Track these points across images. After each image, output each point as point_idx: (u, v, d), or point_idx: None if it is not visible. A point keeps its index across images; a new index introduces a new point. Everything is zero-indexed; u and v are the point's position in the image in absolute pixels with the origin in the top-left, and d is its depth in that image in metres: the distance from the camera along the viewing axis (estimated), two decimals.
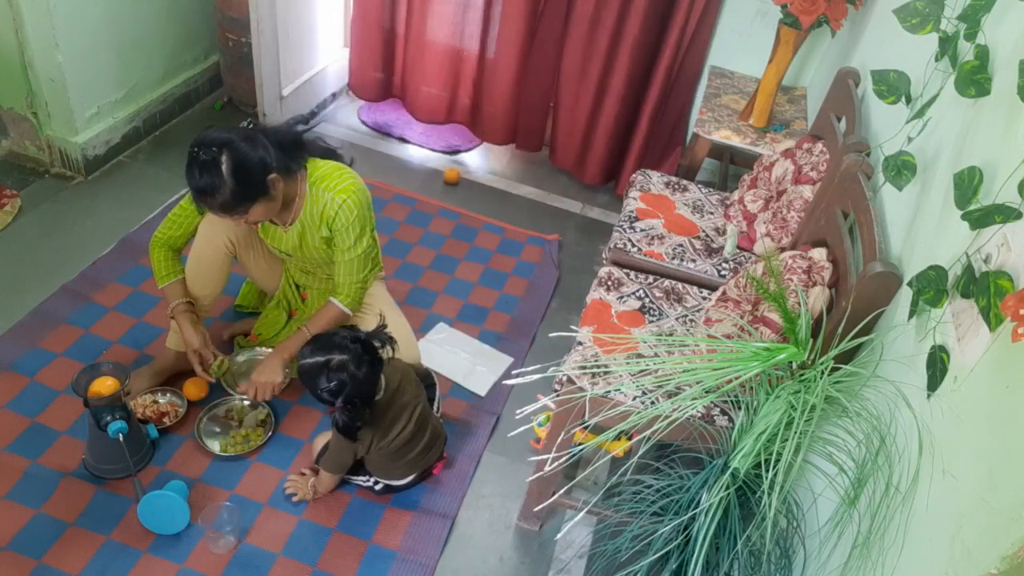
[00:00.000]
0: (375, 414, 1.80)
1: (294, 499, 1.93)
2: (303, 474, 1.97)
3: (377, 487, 1.96)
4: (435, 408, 2.11)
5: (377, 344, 1.76)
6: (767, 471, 1.27)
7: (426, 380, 2.07)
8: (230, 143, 1.71)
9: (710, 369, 1.30)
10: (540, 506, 1.87)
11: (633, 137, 3.14)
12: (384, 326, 1.82)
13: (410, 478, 1.98)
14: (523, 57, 3.09)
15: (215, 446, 2.00)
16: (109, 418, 1.76)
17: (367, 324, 2.13)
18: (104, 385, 1.77)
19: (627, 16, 2.87)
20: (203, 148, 1.70)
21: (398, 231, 2.87)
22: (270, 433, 2.05)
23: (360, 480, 1.97)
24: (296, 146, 1.89)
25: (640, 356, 1.80)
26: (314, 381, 1.70)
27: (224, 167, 1.69)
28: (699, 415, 1.66)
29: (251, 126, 1.83)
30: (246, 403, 2.10)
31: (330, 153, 2.01)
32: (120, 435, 1.76)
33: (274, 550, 1.83)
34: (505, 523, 2.02)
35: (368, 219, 1.97)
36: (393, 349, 1.81)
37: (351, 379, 1.68)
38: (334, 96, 3.53)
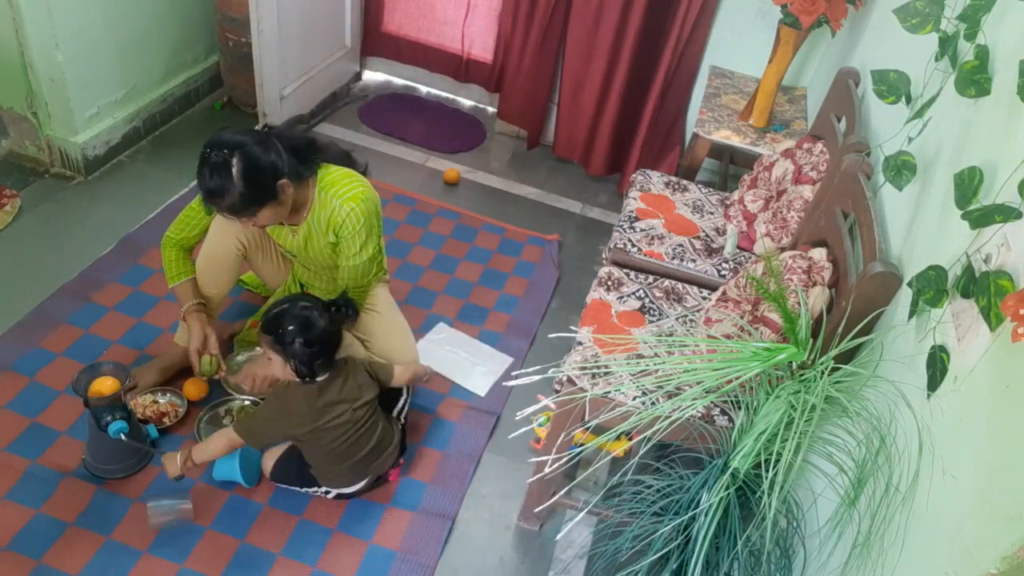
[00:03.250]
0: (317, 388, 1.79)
1: (169, 477, 1.80)
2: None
3: (329, 495, 1.93)
4: (399, 414, 2.04)
5: (338, 305, 1.83)
6: (767, 471, 1.27)
7: (393, 386, 2.00)
8: (242, 146, 1.70)
9: (710, 369, 1.30)
10: (540, 507, 1.87)
11: (636, 131, 3.16)
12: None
13: (360, 484, 1.92)
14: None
15: None
16: (109, 418, 1.76)
17: (368, 324, 2.13)
18: (104, 385, 1.77)
19: (630, 10, 2.90)
20: (215, 149, 1.69)
21: (398, 231, 2.87)
22: None
23: (312, 491, 1.93)
24: (309, 151, 1.87)
25: (640, 356, 1.80)
26: (279, 322, 1.73)
27: (234, 170, 1.68)
28: (699, 415, 1.66)
29: (266, 129, 1.81)
30: (246, 403, 2.10)
31: (346, 158, 2.00)
32: (121, 435, 1.76)
33: (274, 550, 1.83)
34: (505, 523, 2.02)
35: (375, 227, 1.96)
36: (354, 316, 1.86)
37: (311, 323, 1.72)
38: (334, 96, 3.53)
